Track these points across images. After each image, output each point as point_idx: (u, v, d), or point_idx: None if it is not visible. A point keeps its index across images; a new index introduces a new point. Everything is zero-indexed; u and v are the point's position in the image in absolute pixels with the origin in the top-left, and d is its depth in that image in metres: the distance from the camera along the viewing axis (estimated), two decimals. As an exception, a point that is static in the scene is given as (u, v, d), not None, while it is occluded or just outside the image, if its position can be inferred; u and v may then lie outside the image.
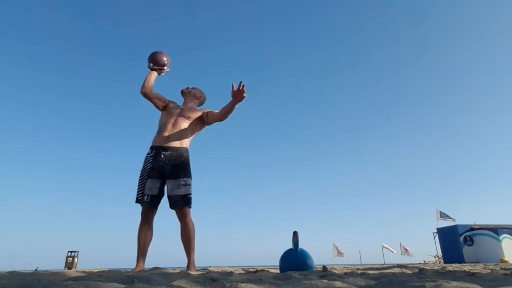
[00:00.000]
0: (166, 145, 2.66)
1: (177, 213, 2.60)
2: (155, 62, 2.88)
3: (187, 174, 2.65)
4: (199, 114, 2.86)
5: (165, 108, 2.88)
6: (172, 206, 2.60)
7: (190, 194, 2.62)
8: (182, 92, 3.01)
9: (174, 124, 2.74)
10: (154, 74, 2.87)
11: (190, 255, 2.55)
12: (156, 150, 2.67)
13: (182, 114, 2.80)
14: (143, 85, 2.79)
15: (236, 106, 2.66)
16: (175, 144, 2.69)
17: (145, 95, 2.79)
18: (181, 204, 2.57)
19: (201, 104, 3.06)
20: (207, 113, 2.87)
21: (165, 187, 2.67)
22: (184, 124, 2.76)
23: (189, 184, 2.64)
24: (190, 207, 2.62)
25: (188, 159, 2.72)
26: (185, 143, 2.75)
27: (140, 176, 2.65)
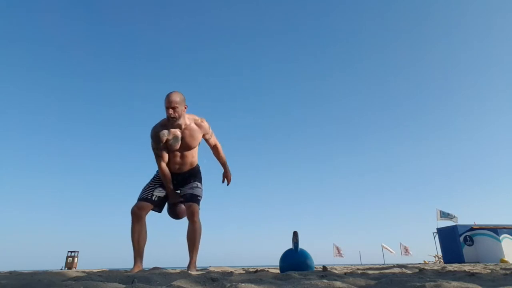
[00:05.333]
0: (178, 172, 2.73)
1: (187, 211, 2.64)
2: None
3: (197, 180, 2.77)
4: (200, 136, 2.71)
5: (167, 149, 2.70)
6: (183, 203, 2.69)
7: (200, 196, 2.71)
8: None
9: (182, 157, 2.69)
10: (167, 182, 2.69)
11: (192, 255, 2.56)
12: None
13: (185, 147, 2.65)
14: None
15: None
16: (187, 169, 2.76)
17: None
18: (191, 200, 2.65)
19: (185, 110, 2.62)
20: (206, 139, 2.78)
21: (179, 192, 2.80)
22: (191, 152, 2.73)
23: (200, 188, 2.75)
24: (199, 206, 2.68)
25: (199, 171, 2.85)
26: (195, 163, 2.82)
27: (149, 181, 2.72)
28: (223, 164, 2.92)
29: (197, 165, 2.84)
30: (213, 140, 2.83)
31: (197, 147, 2.78)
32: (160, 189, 2.67)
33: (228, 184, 2.92)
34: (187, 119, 2.63)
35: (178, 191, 2.76)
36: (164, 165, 2.63)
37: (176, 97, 2.51)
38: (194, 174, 2.78)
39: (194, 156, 2.78)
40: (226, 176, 2.91)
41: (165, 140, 2.57)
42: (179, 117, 2.53)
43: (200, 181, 2.78)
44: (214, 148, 2.88)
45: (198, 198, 2.68)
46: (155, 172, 2.75)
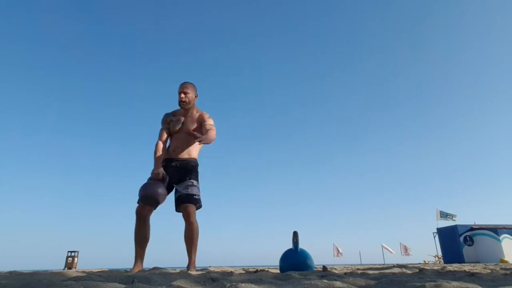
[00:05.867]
0: (174, 157, 2.74)
1: (183, 212, 2.61)
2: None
3: (193, 177, 2.71)
4: (200, 124, 2.80)
5: (169, 131, 2.85)
6: (178, 204, 2.62)
7: (196, 195, 2.65)
8: (180, 106, 2.87)
9: (181, 139, 2.79)
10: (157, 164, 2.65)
11: (191, 256, 2.56)
12: (166, 162, 2.74)
13: (185, 129, 2.79)
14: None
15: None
16: (183, 156, 2.75)
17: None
18: (186, 201, 2.59)
19: (195, 98, 2.89)
20: (204, 125, 2.77)
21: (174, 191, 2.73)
22: (189, 138, 2.77)
23: (196, 186, 2.68)
24: (196, 207, 2.64)
25: (195, 167, 2.78)
26: (193, 154, 2.81)
27: (147, 180, 2.69)
28: (206, 131, 2.64)
29: (195, 160, 2.81)
30: (210, 126, 2.72)
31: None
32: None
33: (197, 139, 2.48)
34: (196, 111, 2.86)
35: (173, 187, 2.70)
36: (160, 142, 2.76)
37: (189, 85, 2.84)
38: (190, 169, 2.72)
39: (193, 147, 2.78)
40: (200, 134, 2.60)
41: (169, 121, 2.83)
42: (189, 102, 2.80)
43: (197, 179, 2.73)
44: (206, 129, 2.69)
45: (195, 197, 2.63)
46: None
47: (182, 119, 2.82)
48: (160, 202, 2.58)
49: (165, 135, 2.81)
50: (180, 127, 2.80)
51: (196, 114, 2.84)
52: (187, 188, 2.63)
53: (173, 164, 2.71)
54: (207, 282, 1.36)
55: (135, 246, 2.53)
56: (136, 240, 2.53)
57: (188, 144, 2.78)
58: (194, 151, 2.81)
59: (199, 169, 2.85)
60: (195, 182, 2.69)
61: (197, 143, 2.80)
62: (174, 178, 2.68)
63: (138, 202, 2.60)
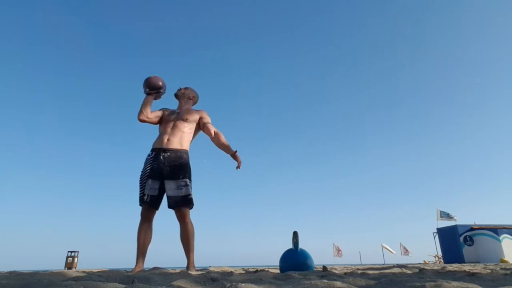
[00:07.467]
0: (166, 147, 2.69)
1: (176, 214, 2.60)
2: (150, 87, 2.80)
3: (186, 175, 2.65)
4: (196, 116, 2.87)
5: (161, 118, 2.87)
6: (171, 207, 2.59)
7: (190, 194, 2.61)
8: (176, 95, 2.99)
9: (174, 128, 2.77)
10: (150, 98, 2.80)
11: (189, 256, 2.56)
12: (156, 152, 2.69)
13: (180, 117, 2.81)
14: (141, 112, 2.73)
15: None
16: (175, 146, 2.71)
17: (144, 121, 2.76)
18: (181, 205, 2.57)
19: (195, 103, 3.07)
20: (204, 123, 2.84)
21: (165, 188, 2.65)
22: (183, 127, 2.78)
23: (189, 185, 2.63)
24: (191, 208, 2.62)
25: (187, 161, 2.72)
26: (185, 145, 2.77)
27: (140, 177, 2.68)
28: (228, 147, 2.80)
29: (187, 153, 2.76)
30: (213, 127, 2.80)
31: (190, 132, 2.80)
32: (150, 181, 2.61)
33: (238, 167, 2.78)
34: (192, 109, 2.95)
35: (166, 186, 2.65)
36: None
37: (193, 90, 3.06)
38: (184, 166, 2.66)
39: (186, 137, 2.76)
40: (236, 158, 2.78)
41: (164, 110, 2.90)
42: (184, 93, 2.97)
43: (189, 176, 2.67)
44: (216, 134, 2.79)
45: (189, 197, 2.59)
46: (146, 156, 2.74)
47: (177, 110, 2.90)
48: (162, 90, 2.84)
49: (154, 111, 2.85)
50: (175, 117, 2.82)
51: (192, 109, 2.94)
52: (181, 189, 2.58)
53: (165, 154, 2.65)
54: (207, 282, 1.36)
55: (138, 246, 2.54)
56: (138, 240, 2.55)
57: (182, 134, 2.75)
58: (186, 141, 2.78)
59: (190, 162, 2.79)
60: (188, 182, 2.63)
61: (191, 133, 2.82)
62: (166, 170, 2.61)
63: (140, 204, 2.61)
